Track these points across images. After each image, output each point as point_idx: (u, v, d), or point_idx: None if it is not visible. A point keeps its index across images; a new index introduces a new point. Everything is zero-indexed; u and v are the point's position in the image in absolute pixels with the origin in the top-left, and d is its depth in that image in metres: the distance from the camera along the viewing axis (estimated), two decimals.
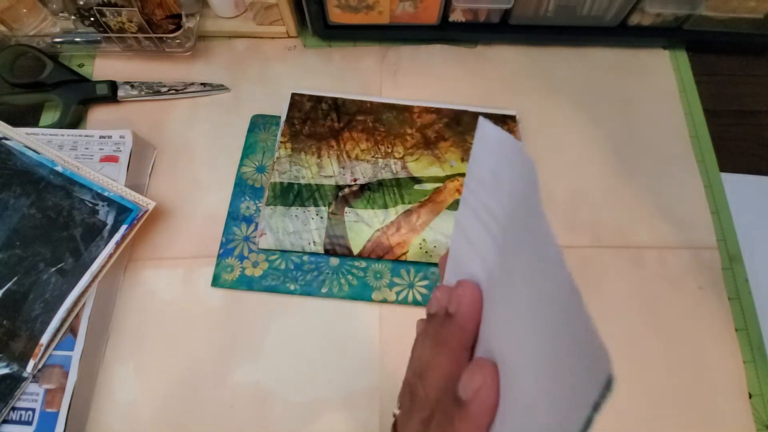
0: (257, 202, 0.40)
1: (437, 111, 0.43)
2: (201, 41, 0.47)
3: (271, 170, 0.40)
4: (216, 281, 0.37)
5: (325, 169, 0.40)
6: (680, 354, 0.35)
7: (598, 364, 0.10)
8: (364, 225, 0.38)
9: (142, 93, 0.44)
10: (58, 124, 0.42)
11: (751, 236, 0.39)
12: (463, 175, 0.40)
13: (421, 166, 0.40)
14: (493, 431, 0.15)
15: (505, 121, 0.43)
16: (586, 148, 0.43)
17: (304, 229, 0.38)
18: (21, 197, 0.36)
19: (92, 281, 0.34)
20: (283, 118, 0.42)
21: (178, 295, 0.37)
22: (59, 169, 0.37)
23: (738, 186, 0.41)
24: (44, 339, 0.32)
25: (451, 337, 0.18)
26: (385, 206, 0.39)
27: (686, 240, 0.39)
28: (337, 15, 0.43)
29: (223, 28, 0.47)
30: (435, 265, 0.38)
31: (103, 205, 0.36)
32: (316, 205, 0.39)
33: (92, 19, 0.41)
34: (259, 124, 0.43)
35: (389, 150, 0.41)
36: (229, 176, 0.41)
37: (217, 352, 0.36)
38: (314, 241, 0.37)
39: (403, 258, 0.37)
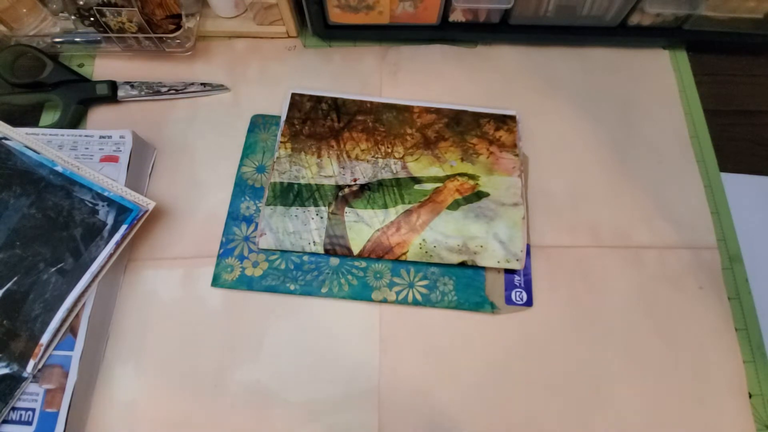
0: (257, 202, 0.40)
1: (437, 111, 0.43)
2: (201, 41, 0.47)
3: (271, 170, 0.40)
4: (216, 281, 0.37)
5: (325, 169, 0.40)
6: (680, 354, 0.35)
7: None
8: (364, 225, 0.38)
9: (142, 93, 0.44)
10: (58, 124, 0.42)
11: (751, 236, 0.39)
12: (463, 175, 0.40)
13: (421, 166, 0.40)
14: None
15: (505, 121, 0.43)
16: (586, 148, 0.43)
17: (304, 229, 0.38)
18: (21, 197, 0.36)
19: (92, 281, 0.34)
20: (283, 118, 0.42)
21: (178, 295, 0.37)
22: (59, 169, 0.37)
23: (738, 186, 0.41)
24: (44, 339, 0.32)
25: None
26: (385, 206, 0.39)
27: (686, 240, 0.39)
28: (337, 15, 0.43)
29: (223, 28, 0.47)
30: (435, 265, 0.38)
31: (103, 205, 0.36)
32: (316, 205, 0.39)
33: (92, 19, 0.41)
34: (259, 124, 0.43)
35: (389, 150, 0.41)
36: (229, 176, 0.41)
37: (217, 352, 0.36)
38: (314, 241, 0.37)
39: (403, 258, 0.37)
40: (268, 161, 0.42)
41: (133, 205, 0.36)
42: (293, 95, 0.43)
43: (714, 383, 0.35)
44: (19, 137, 0.38)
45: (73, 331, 0.34)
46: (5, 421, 0.32)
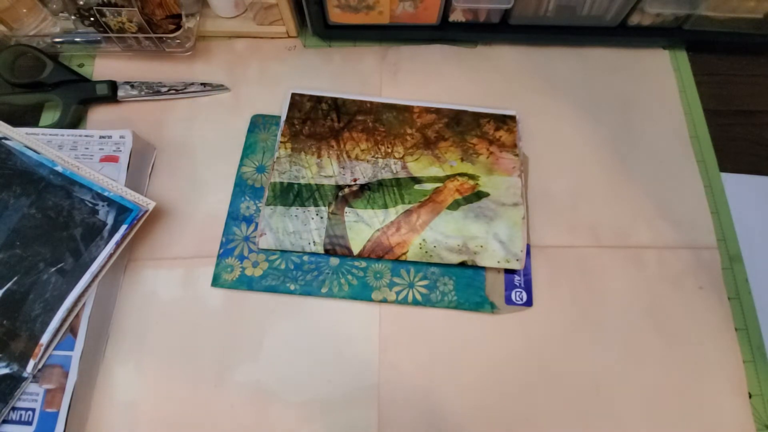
0: (257, 202, 0.40)
1: (437, 111, 0.43)
2: (201, 41, 0.47)
3: (271, 170, 0.40)
4: (216, 281, 0.37)
5: (325, 169, 0.40)
6: (680, 354, 0.35)
7: None
8: (364, 225, 0.38)
9: (142, 93, 0.44)
10: (58, 124, 0.42)
11: (751, 236, 0.39)
12: (463, 175, 0.40)
13: (421, 166, 0.40)
14: None
15: (505, 121, 0.43)
16: (586, 148, 0.43)
17: (304, 229, 0.38)
18: (21, 197, 0.36)
19: (92, 281, 0.34)
20: (283, 118, 0.42)
21: (178, 295, 0.37)
22: (59, 169, 0.37)
23: (738, 186, 0.41)
24: (44, 339, 0.32)
25: None
26: (385, 206, 0.39)
27: (686, 240, 0.39)
28: (337, 15, 0.43)
29: (223, 28, 0.47)
30: (435, 265, 0.38)
31: (103, 205, 0.36)
32: (316, 205, 0.39)
33: (92, 19, 0.41)
34: (259, 124, 0.43)
35: (389, 150, 0.41)
36: (229, 176, 0.41)
37: (217, 352, 0.36)
38: (314, 241, 0.37)
39: (403, 258, 0.37)
40: (268, 161, 0.42)
41: (133, 205, 0.36)
42: (293, 95, 0.43)
43: (714, 383, 0.35)
44: (19, 137, 0.38)
45: (73, 331, 0.34)
46: (5, 421, 0.32)
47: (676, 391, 0.34)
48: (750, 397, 0.34)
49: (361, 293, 0.37)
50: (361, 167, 0.40)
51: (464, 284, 0.37)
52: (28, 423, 0.32)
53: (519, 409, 0.34)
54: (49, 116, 0.44)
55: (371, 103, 0.43)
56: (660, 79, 0.46)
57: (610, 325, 0.36)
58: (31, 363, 0.32)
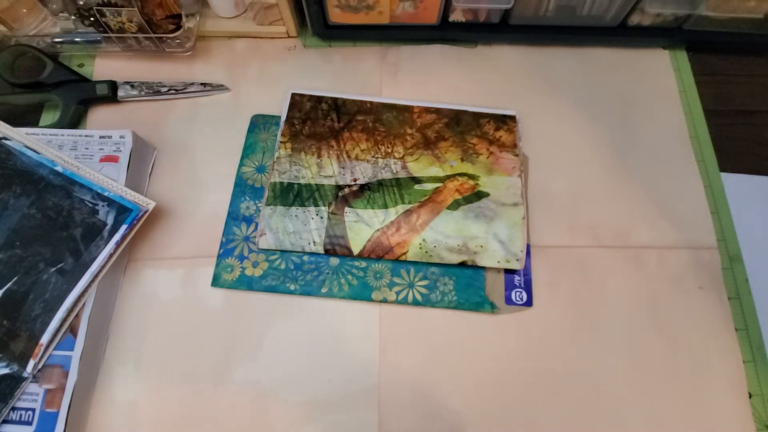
0: (257, 202, 0.40)
1: (437, 111, 0.43)
2: (201, 41, 0.47)
3: (271, 170, 0.40)
4: (216, 281, 0.37)
5: (325, 169, 0.40)
6: (680, 354, 0.35)
7: None
8: (364, 225, 0.38)
9: (142, 93, 0.44)
10: (58, 124, 0.42)
11: (751, 236, 0.39)
12: (463, 175, 0.40)
13: (421, 166, 0.40)
14: None
15: (504, 121, 0.43)
16: (586, 148, 0.43)
17: (304, 229, 0.38)
18: (21, 197, 0.36)
19: (92, 281, 0.34)
20: (283, 118, 0.42)
21: (178, 295, 0.37)
22: (59, 169, 0.37)
23: (738, 186, 0.41)
24: (44, 339, 0.32)
25: None
26: (385, 206, 0.39)
27: (686, 240, 0.39)
28: (337, 15, 0.43)
29: (223, 28, 0.47)
30: (435, 265, 0.38)
31: (103, 205, 0.36)
32: (316, 205, 0.39)
33: (92, 19, 0.41)
34: (259, 124, 0.43)
35: (389, 150, 0.41)
36: (229, 176, 0.41)
37: (217, 352, 0.36)
38: (314, 241, 0.37)
39: (402, 258, 0.37)
40: (268, 161, 0.42)
41: (133, 205, 0.36)
42: (293, 95, 0.43)
43: (714, 383, 0.35)
44: (19, 137, 0.38)
45: (73, 331, 0.34)
46: (5, 421, 0.32)
47: (676, 391, 0.34)
48: (750, 397, 0.34)
49: (361, 293, 0.37)
50: (361, 167, 0.40)
51: (464, 284, 0.37)
52: (28, 423, 0.32)
53: (519, 408, 0.34)
54: (49, 116, 0.44)
55: (371, 103, 0.43)
56: (660, 79, 0.46)
57: (610, 325, 0.36)
58: (31, 363, 0.32)
